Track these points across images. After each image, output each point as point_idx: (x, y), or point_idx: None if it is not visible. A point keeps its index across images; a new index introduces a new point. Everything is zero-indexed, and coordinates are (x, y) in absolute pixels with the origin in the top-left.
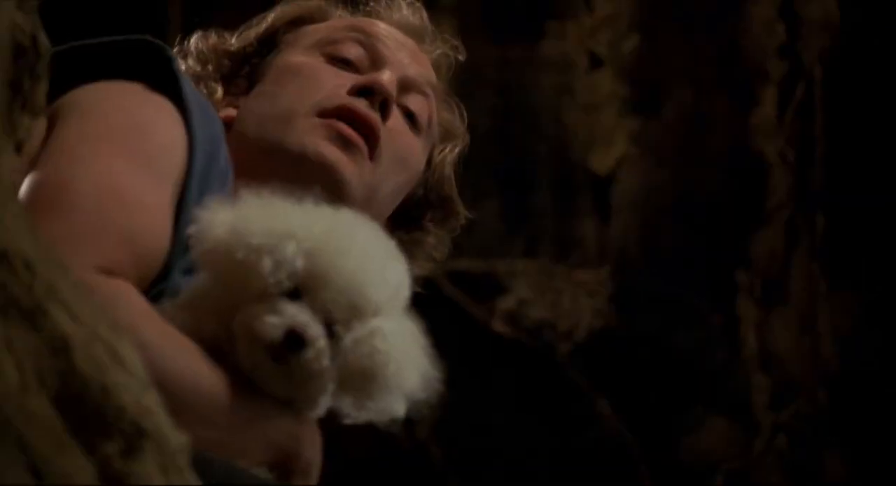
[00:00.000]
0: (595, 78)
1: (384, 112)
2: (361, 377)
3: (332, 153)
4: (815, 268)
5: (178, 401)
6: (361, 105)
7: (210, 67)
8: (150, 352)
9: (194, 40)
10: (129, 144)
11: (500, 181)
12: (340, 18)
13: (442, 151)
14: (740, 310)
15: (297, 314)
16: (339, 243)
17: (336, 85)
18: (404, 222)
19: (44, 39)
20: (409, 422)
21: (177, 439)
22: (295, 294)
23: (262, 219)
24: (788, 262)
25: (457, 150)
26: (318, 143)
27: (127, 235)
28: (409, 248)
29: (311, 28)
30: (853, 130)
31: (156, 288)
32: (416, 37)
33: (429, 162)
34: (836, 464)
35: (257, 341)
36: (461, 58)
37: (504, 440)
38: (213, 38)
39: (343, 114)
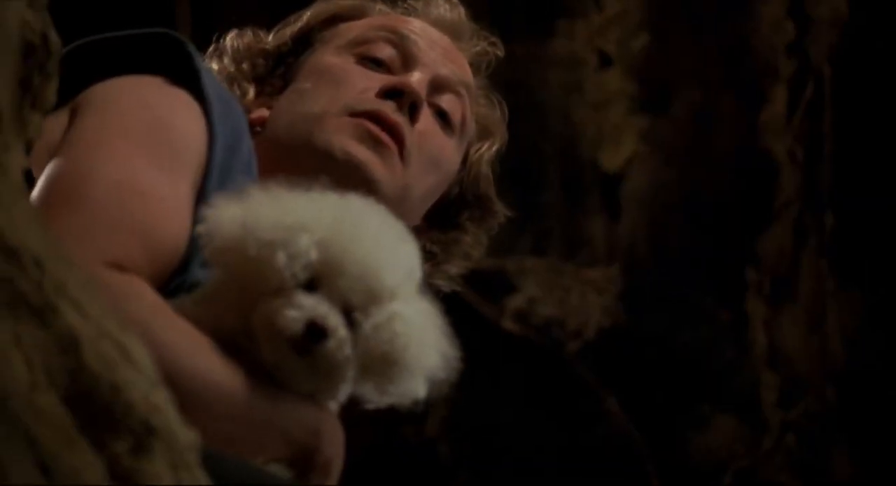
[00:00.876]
0: (604, 76)
1: (413, 114)
2: (383, 362)
3: (361, 152)
4: (824, 266)
5: (192, 397)
6: (389, 109)
7: (245, 66)
8: (161, 348)
9: (230, 38)
10: (147, 138)
11: (509, 179)
12: (376, 16)
13: (479, 149)
14: (749, 308)
15: (316, 306)
16: (350, 231)
17: (365, 88)
18: (440, 221)
19: (54, 37)
20: (418, 419)
21: (186, 436)
22: (311, 286)
23: (271, 212)
24: (797, 260)
25: (494, 148)
26: (347, 142)
27: (142, 230)
28: (445, 247)
29: (345, 26)
30: (862, 128)
31: (174, 281)
32: (452, 34)
33: (465, 160)
34: (845, 462)
35: (279, 336)
36: (500, 54)
37: (513, 437)
38: (248, 36)
39: (371, 118)
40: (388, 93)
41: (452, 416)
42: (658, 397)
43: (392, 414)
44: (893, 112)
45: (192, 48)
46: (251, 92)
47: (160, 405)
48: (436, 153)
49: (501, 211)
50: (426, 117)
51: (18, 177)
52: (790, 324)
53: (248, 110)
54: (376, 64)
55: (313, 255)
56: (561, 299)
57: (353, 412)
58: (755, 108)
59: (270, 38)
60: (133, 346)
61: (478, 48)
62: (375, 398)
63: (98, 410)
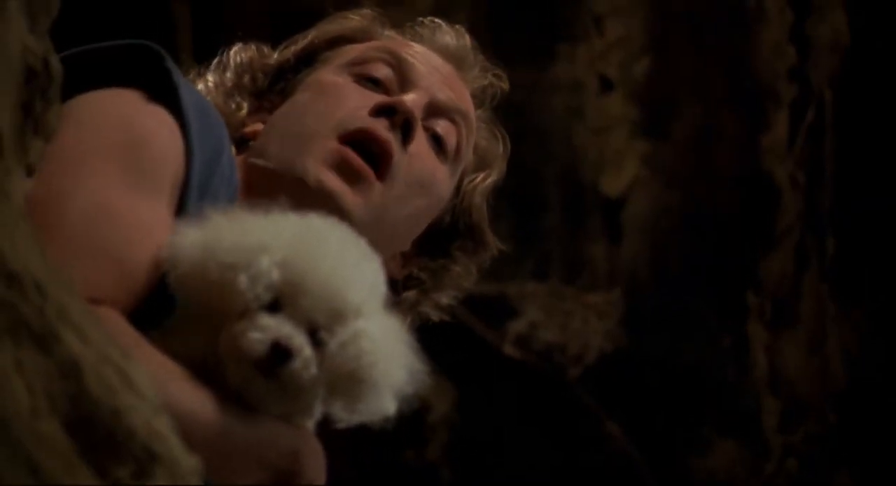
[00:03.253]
0: (605, 101)
1: (407, 134)
2: (350, 380)
3: (333, 182)
4: (825, 290)
5: None
6: (381, 126)
7: (246, 80)
8: None
9: (234, 52)
10: (124, 157)
11: (511, 203)
12: (380, 40)
13: (473, 179)
14: (750, 332)
15: (280, 326)
16: (311, 250)
17: (359, 105)
18: (430, 249)
19: (55, 62)
20: (419, 443)
21: (188, 462)
22: (274, 306)
23: (231, 235)
24: (798, 284)
25: (489, 179)
26: (322, 170)
27: (116, 257)
28: (434, 274)
29: (348, 48)
30: (863, 152)
31: (155, 302)
32: (456, 63)
33: (458, 189)
34: None
35: (244, 359)
36: (505, 87)
37: (514, 461)
38: (251, 51)
39: (360, 136)
40: (382, 110)
41: (454, 440)
42: (659, 420)
43: (393, 438)
44: (894, 136)
45: (170, 63)
46: (247, 106)
47: (162, 430)
48: (426, 176)
49: (493, 243)
50: (419, 139)
51: (20, 202)
52: (791, 347)
53: (243, 124)
54: (373, 83)
55: (275, 275)
56: (562, 323)
57: (353, 436)
58: (757, 132)
59: (275, 55)
60: (134, 372)
61: (483, 81)
62: (345, 417)
63: (100, 436)
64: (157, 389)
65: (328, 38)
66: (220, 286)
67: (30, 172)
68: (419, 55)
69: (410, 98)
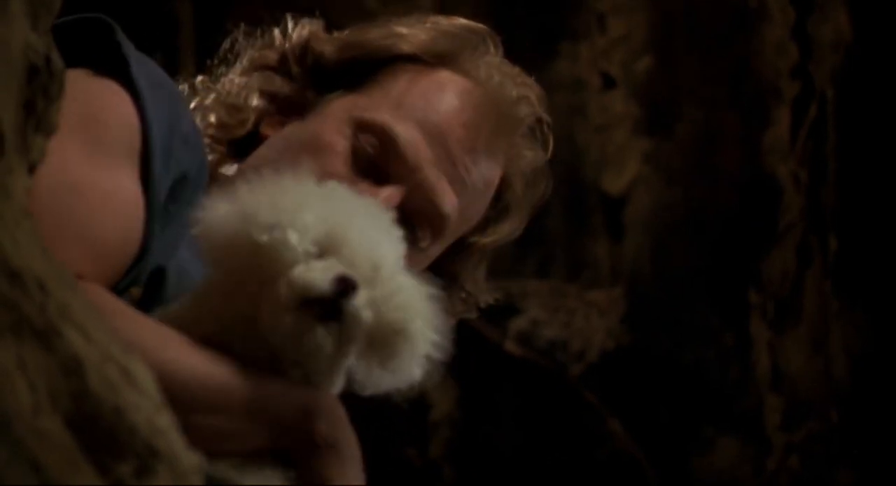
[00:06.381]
0: (607, 98)
1: None
2: (392, 332)
3: None
4: (828, 288)
5: (168, 393)
6: None
7: (292, 63)
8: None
9: (292, 28)
10: (81, 134)
11: None
12: (429, 75)
13: (476, 238)
14: (752, 330)
15: (335, 265)
16: (344, 207)
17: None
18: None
19: (57, 60)
20: (421, 441)
21: (189, 459)
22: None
23: (266, 198)
24: (801, 282)
25: (489, 240)
26: None
27: (85, 234)
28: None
29: (391, 81)
30: (865, 150)
31: (132, 271)
32: (499, 126)
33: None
34: (849, 484)
35: (301, 307)
36: (540, 159)
37: (516, 459)
38: (306, 29)
39: None
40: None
41: (456, 438)
42: (661, 418)
43: (395, 436)
44: None
45: (121, 35)
46: (255, 100)
47: (164, 427)
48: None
49: (484, 296)
50: None
51: (22, 199)
52: (794, 345)
53: (262, 117)
54: (367, 159)
55: (320, 228)
56: (564, 321)
57: (354, 434)
58: (759, 130)
59: (329, 47)
60: (136, 369)
61: (526, 157)
62: (374, 382)
63: (102, 433)
64: (153, 353)
65: (381, 53)
66: (270, 246)
67: (31, 169)
68: (451, 120)
69: (388, 193)
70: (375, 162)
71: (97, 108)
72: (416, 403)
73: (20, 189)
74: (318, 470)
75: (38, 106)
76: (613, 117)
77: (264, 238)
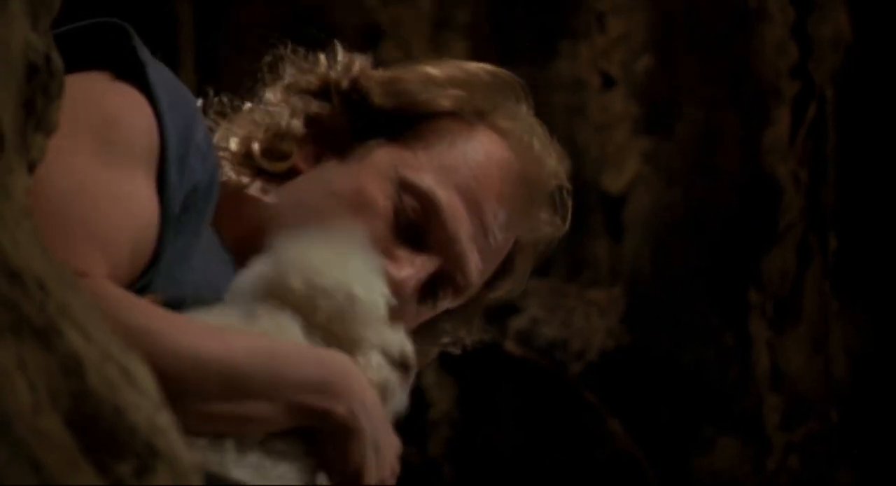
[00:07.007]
0: (607, 98)
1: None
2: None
3: None
4: (827, 288)
5: (176, 378)
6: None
7: (329, 92)
8: (135, 332)
9: (343, 59)
10: (96, 137)
11: None
12: (470, 134)
13: (477, 293)
14: (752, 329)
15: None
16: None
17: (377, 241)
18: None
19: (57, 59)
20: (420, 440)
21: (190, 458)
22: None
23: (315, 257)
24: (800, 282)
25: (492, 296)
26: None
27: (101, 237)
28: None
29: (434, 143)
30: (865, 150)
31: (146, 276)
32: (530, 195)
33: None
34: (849, 484)
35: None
36: (555, 236)
37: (516, 458)
38: (357, 65)
39: None
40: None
41: (455, 437)
42: (661, 417)
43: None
44: None
45: (137, 41)
46: (297, 126)
47: (164, 427)
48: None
49: (478, 335)
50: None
51: (22, 199)
52: (793, 345)
53: (312, 126)
54: (408, 222)
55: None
56: (564, 320)
57: None
58: (758, 129)
59: (377, 90)
60: (136, 368)
61: (544, 230)
62: None
63: (102, 433)
64: (170, 338)
65: (429, 106)
66: (348, 304)
67: (31, 168)
68: (490, 200)
69: (422, 262)
70: (415, 224)
71: (116, 112)
72: (415, 402)
73: (20, 189)
74: (337, 451)
75: (37, 105)
76: (613, 117)
77: (340, 299)
